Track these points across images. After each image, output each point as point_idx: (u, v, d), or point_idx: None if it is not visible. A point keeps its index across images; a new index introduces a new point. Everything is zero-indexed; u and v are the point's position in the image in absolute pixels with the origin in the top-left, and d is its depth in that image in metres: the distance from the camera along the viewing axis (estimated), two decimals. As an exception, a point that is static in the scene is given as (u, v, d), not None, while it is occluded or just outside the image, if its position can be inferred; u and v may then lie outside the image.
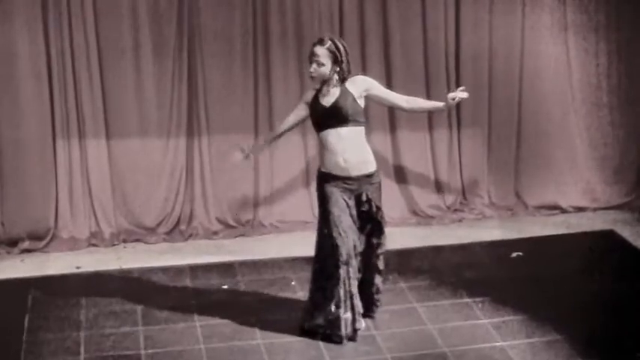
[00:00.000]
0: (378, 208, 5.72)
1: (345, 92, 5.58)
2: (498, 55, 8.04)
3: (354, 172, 5.63)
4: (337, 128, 5.57)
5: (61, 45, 7.25)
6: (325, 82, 5.60)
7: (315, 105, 5.66)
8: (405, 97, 5.75)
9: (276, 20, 7.55)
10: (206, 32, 7.48)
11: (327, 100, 5.60)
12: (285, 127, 5.88)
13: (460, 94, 5.56)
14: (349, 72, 5.63)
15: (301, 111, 5.78)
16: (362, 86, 5.63)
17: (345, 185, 5.64)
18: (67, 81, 7.32)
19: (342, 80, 5.60)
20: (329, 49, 5.54)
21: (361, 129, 5.64)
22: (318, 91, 5.66)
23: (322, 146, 5.69)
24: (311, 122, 5.76)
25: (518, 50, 8.05)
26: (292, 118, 5.84)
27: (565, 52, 8.12)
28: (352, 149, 5.58)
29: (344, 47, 5.59)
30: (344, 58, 5.57)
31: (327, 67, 5.55)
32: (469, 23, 7.93)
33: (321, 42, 5.59)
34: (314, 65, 5.57)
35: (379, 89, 5.70)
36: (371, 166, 5.68)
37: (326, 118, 5.59)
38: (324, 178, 5.68)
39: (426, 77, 7.94)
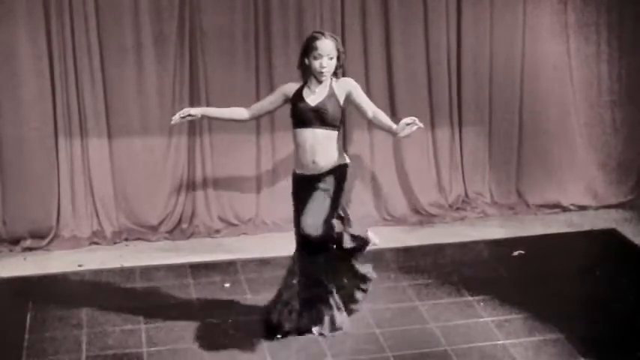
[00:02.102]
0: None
1: (332, 94, 5.47)
2: (499, 53, 8.04)
3: (321, 172, 5.56)
4: (314, 128, 5.47)
5: (63, 43, 7.25)
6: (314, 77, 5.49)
7: (298, 101, 5.51)
8: (374, 108, 5.56)
9: (278, 19, 7.56)
10: (208, 31, 7.49)
11: (313, 99, 5.48)
12: (256, 114, 5.76)
13: (416, 123, 5.31)
14: (342, 68, 5.56)
15: (278, 102, 5.67)
16: (347, 89, 5.50)
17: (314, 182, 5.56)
18: (68, 79, 7.32)
19: (335, 75, 5.51)
20: (334, 42, 5.41)
21: (335, 133, 5.54)
22: (304, 86, 5.54)
23: (296, 144, 5.59)
24: (291, 116, 5.64)
25: (519, 49, 8.05)
26: (267, 106, 5.71)
27: (566, 52, 8.12)
28: (323, 152, 5.49)
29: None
30: (344, 53, 5.48)
31: (334, 61, 5.42)
32: (470, 22, 7.93)
33: (324, 35, 5.43)
34: (325, 60, 5.40)
35: (360, 95, 5.54)
36: (335, 163, 5.56)
37: (308, 116, 5.48)
38: (298, 181, 5.65)
39: (427, 75, 7.95)
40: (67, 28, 7.22)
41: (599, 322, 6.06)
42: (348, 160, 5.67)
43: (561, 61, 8.13)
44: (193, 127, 7.63)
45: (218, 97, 7.58)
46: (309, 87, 5.53)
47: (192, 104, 7.57)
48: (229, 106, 7.48)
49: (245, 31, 7.54)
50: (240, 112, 5.77)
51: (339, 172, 5.58)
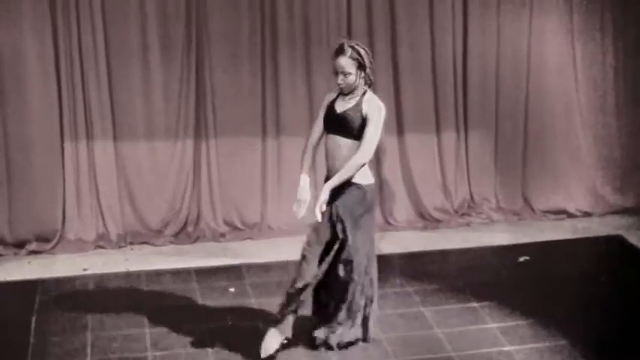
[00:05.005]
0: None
1: (358, 106, 5.41)
2: (505, 58, 8.04)
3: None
4: (338, 136, 5.43)
5: (69, 46, 7.26)
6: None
7: (330, 107, 5.53)
8: (363, 151, 5.33)
9: (284, 22, 7.56)
10: (214, 34, 7.49)
11: (341, 107, 5.46)
12: (316, 137, 5.61)
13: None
14: (373, 75, 5.49)
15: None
16: (369, 110, 5.37)
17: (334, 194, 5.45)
18: (74, 82, 7.32)
19: (369, 85, 5.46)
20: (352, 57, 5.36)
21: (358, 145, 5.40)
22: (340, 94, 5.51)
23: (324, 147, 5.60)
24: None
25: (524, 54, 8.06)
26: (318, 128, 5.59)
27: (571, 57, 8.13)
28: (342, 161, 5.40)
29: (365, 50, 5.43)
30: (367, 63, 5.40)
31: (353, 76, 5.38)
32: (476, 26, 7.93)
33: (342, 51, 5.39)
34: (340, 76, 5.38)
35: (368, 127, 5.36)
36: (352, 179, 5.42)
37: (333, 123, 5.48)
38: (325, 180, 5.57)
39: (433, 80, 7.95)
40: (73, 30, 7.23)
41: (605, 328, 6.06)
42: (368, 181, 5.48)
43: (567, 67, 8.13)
44: (199, 130, 7.63)
45: (224, 100, 7.58)
46: (343, 95, 5.50)
47: (197, 107, 7.59)
48: (236, 109, 7.58)
49: (251, 35, 7.54)
50: (314, 145, 5.62)
51: (356, 195, 5.44)
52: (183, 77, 7.53)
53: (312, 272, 5.49)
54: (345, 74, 5.39)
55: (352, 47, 5.42)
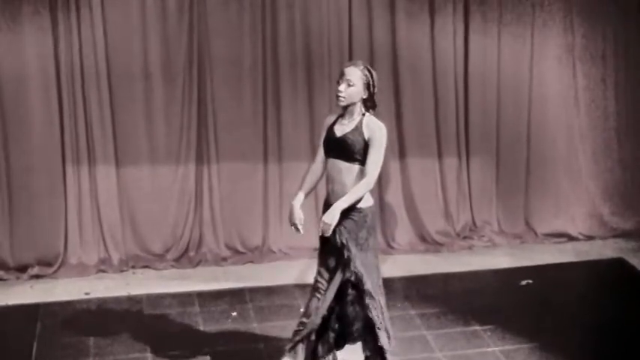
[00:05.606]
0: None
1: (358, 129, 5.33)
2: (507, 82, 8.06)
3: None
4: (338, 160, 5.35)
5: (72, 72, 7.27)
6: (348, 108, 5.35)
7: (329, 130, 5.44)
8: (368, 177, 5.27)
9: (286, 47, 7.59)
10: (215, 58, 7.51)
11: (340, 130, 5.37)
12: (319, 168, 5.55)
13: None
14: (375, 104, 5.40)
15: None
16: (371, 132, 5.29)
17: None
18: (77, 108, 7.33)
19: (368, 109, 5.37)
20: (362, 72, 5.29)
21: (357, 168, 5.34)
22: (339, 117, 5.43)
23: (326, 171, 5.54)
24: None
25: (526, 79, 8.08)
26: (320, 154, 5.52)
27: (572, 79, 8.14)
28: (341, 184, 5.34)
29: (376, 75, 5.37)
30: (374, 84, 5.34)
31: (357, 89, 5.28)
32: (478, 52, 7.95)
33: (354, 63, 5.37)
34: (343, 85, 5.27)
35: (372, 149, 5.30)
36: (355, 203, 5.35)
37: (333, 147, 5.39)
38: (324, 204, 5.52)
39: (435, 105, 7.97)
40: (75, 56, 7.25)
41: (607, 351, 6.04)
42: (368, 204, 5.40)
43: (568, 91, 8.15)
44: (201, 154, 7.65)
45: (226, 125, 7.60)
46: (342, 118, 5.43)
47: (199, 132, 7.59)
48: (238, 133, 7.59)
49: (253, 59, 7.57)
50: (317, 170, 5.56)
51: (357, 220, 5.38)
52: (185, 102, 7.54)
53: (322, 311, 5.45)
54: (350, 84, 5.28)
55: (366, 65, 5.37)
